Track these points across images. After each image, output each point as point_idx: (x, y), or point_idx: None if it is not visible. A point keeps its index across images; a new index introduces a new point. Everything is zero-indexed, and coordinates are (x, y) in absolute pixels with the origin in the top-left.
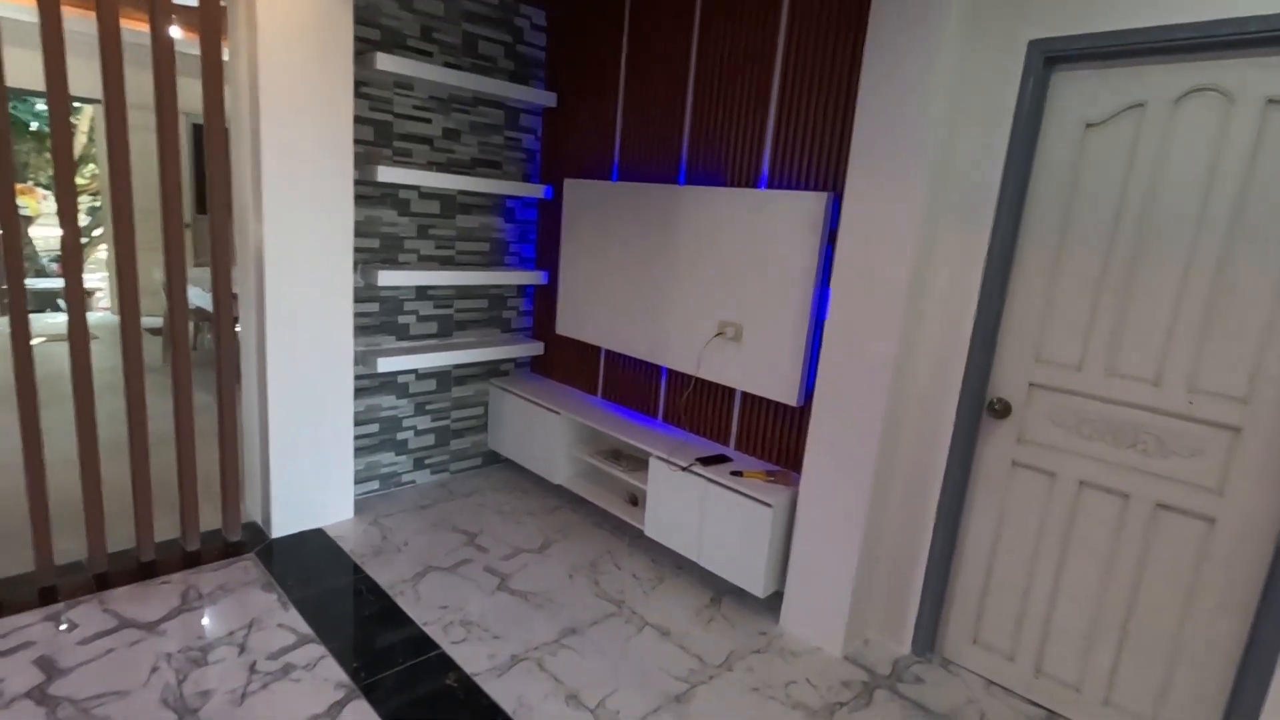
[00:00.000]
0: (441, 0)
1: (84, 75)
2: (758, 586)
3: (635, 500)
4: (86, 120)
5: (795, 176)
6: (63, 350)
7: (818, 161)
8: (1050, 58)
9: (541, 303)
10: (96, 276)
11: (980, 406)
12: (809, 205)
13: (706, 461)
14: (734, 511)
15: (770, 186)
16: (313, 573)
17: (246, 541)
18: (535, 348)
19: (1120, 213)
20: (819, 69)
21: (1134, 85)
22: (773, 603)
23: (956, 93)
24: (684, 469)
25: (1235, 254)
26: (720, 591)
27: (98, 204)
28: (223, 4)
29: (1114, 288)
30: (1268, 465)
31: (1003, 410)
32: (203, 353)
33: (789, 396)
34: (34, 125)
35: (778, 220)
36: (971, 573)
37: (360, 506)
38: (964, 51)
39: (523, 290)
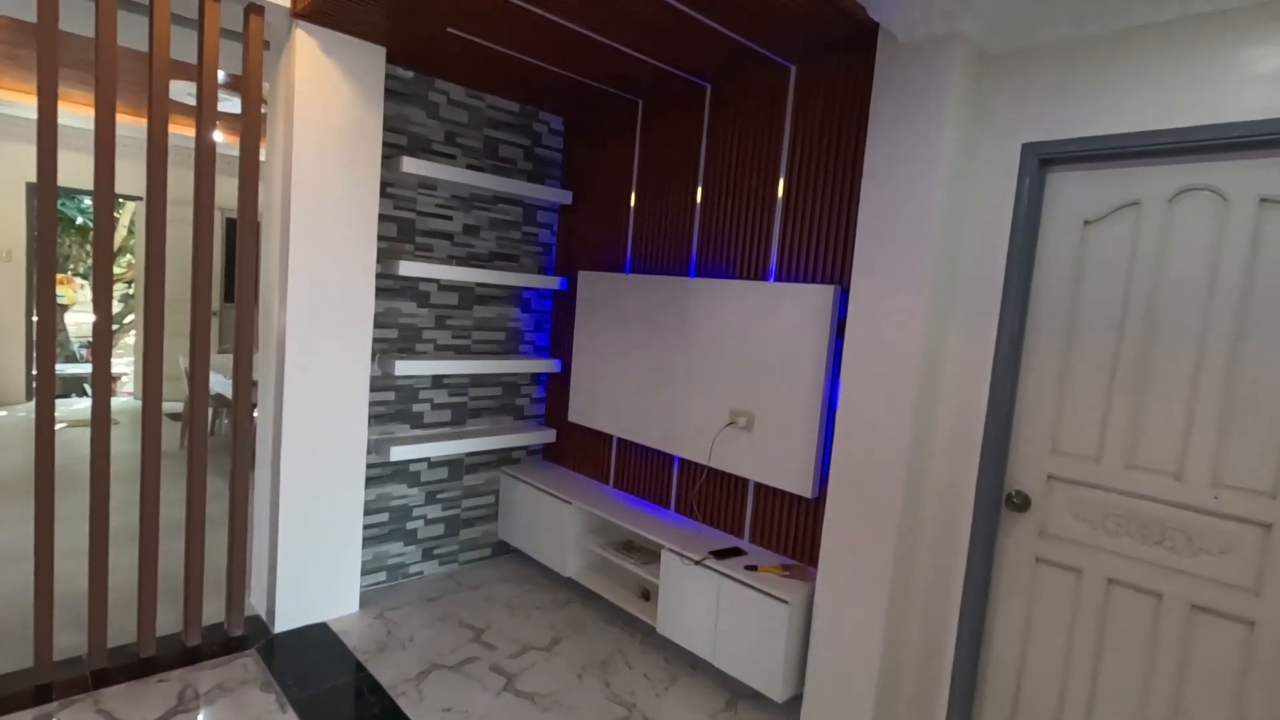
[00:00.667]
0: (465, 109)
1: (128, 174)
2: (775, 690)
3: (648, 595)
4: (127, 215)
5: (802, 270)
6: (82, 436)
7: (824, 256)
8: (1045, 159)
9: (555, 391)
10: (122, 361)
11: (999, 499)
12: (816, 297)
13: (720, 555)
14: (749, 608)
15: (779, 279)
16: (313, 671)
17: (248, 636)
18: (547, 435)
19: (1126, 306)
20: (822, 169)
21: (1127, 185)
22: (793, 707)
23: (957, 192)
24: (697, 563)
25: (1246, 347)
26: (736, 694)
27: (130, 292)
28: (264, 111)
29: (1126, 379)
30: None
31: (1022, 503)
32: (219, 438)
33: (803, 488)
34: (79, 220)
35: (786, 311)
36: (1001, 677)
37: (366, 599)
38: (963, 153)
39: (536, 378)
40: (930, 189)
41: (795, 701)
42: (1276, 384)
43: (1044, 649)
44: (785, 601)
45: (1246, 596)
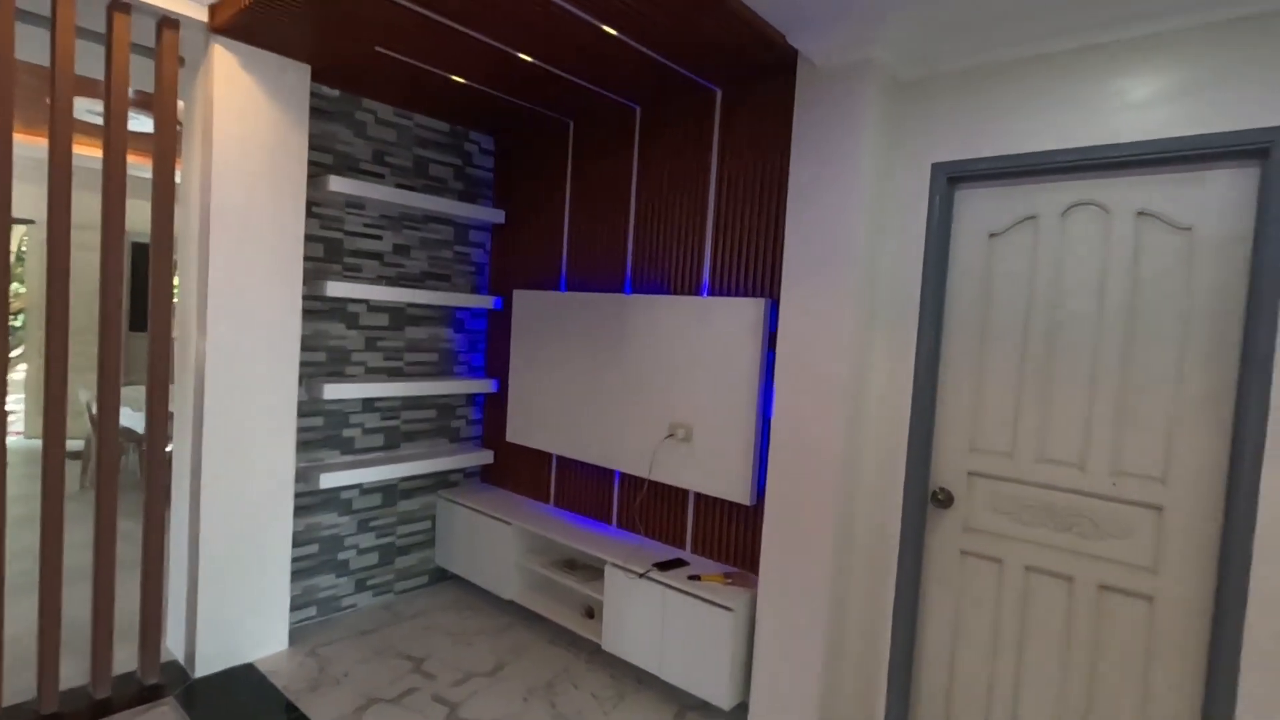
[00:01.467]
0: (394, 128)
1: (21, 196)
2: (722, 698)
3: (591, 612)
4: (16, 239)
5: (734, 284)
6: None
7: (754, 270)
8: (953, 177)
9: (492, 411)
10: (12, 398)
11: (925, 497)
12: (748, 311)
13: (663, 566)
14: (693, 619)
15: (712, 294)
16: (239, 715)
17: (165, 684)
18: (485, 456)
19: (1029, 312)
20: (750, 188)
21: (1025, 201)
22: (739, 715)
23: (877, 209)
24: (641, 575)
25: (1135, 347)
26: (685, 706)
27: (18, 324)
28: (178, 129)
29: (1033, 379)
30: (1191, 541)
31: (946, 500)
32: (127, 475)
33: (742, 496)
34: None
35: (720, 325)
36: (935, 669)
37: (296, 636)
38: (880, 172)
39: (472, 399)
40: (852, 206)
41: (742, 709)
42: (1161, 379)
43: (972, 637)
44: (729, 609)
45: (1146, 575)
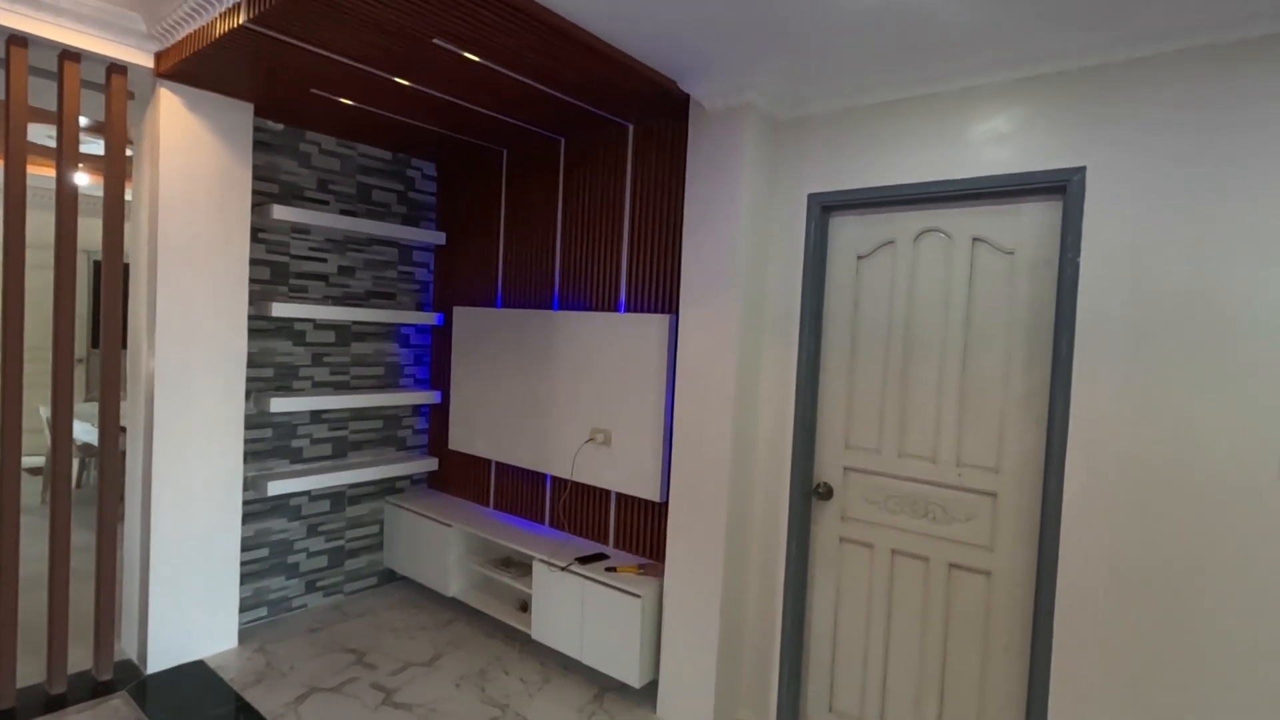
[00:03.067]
0: (338, 157)
1: None
2: (633, 677)
3: (525, 606)
4: None
5: (646, 301)
6: None
7: (662, 288)
8: (826, 206)
9: (436, 421)
10: None
11: (809, 491)
12: (655, 326)
13: (585, 560)
14: (609, 606)
15: (628, 310)
16: (188, 705)
17: (118, 680)
18: (430, 464)
19: (890, 325)
20: (658, 213)
21: (885, 227)
22: (651, 691)
23: (761, 234)
24: (562, 569)
25: (971, 354)
26: (604, 688)
27: None
28: (129, 154)
29: (894, 383)
30: (1019, 521)
31: (826, 493)
32: (87, 490)
33: (652, 493)
34: None
35: (632, 339)
36: (821, 644)
37: (246, 635)
38: (762, 202)
39: (418, 410)
40: (734, 233)
41: (652, 687)
42: (992, 383)
43: (850, 614)
44: (637, 596)
45: (985, 553)
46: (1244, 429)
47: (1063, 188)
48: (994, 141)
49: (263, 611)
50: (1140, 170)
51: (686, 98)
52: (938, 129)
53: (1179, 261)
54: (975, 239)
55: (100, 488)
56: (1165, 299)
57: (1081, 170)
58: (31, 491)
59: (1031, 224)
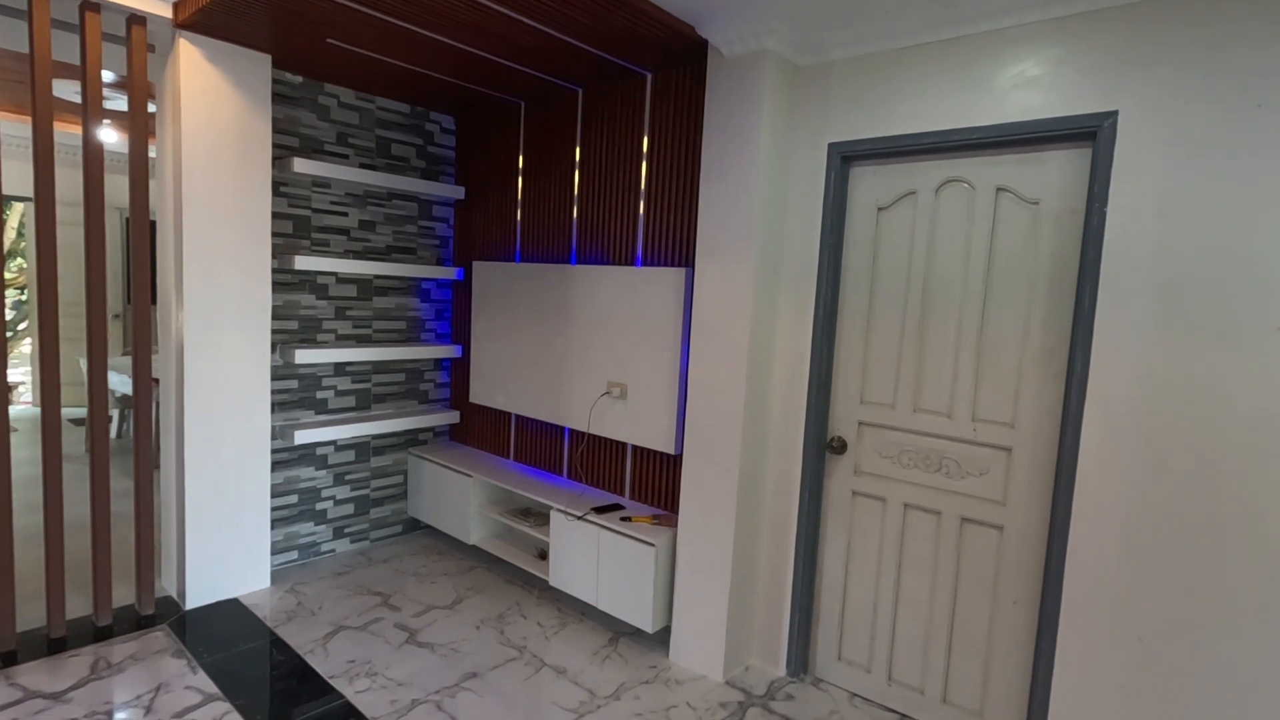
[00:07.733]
0: (357, 111)
1: (14, 174)
2: (647, 623)
3: (544, 554)
4: (16, 216)
5: (663, 255)
6: None
7: (680, 241)
8: (846, 156)
9: (457, 375)
10: (20, 370)
11: (823, 445)
12: (671, 279)
13: (601, 510)
14: (623, 554)
15: (644, 264)
16: (224, 639)
17: (160, 614)
18: (451, 416)
19: (909, 278)
20: (675, 165)
21: (907, 178)
22: (664, 637)
23: (779, 185)
24: (579, 518)
25: (990, 309)
26: (619, 632)
27: (24, 298)
28: (152, 110)
29: (911, 338)
30: (1032, 476)
31: (840, 447)
32: (127, 439)
33: (667, 446)
34: None
35: (649, 292)
36: (831, 595)
37: (278, 576)
38: (782, 151)
39: (440, 363)
40: (752, 183)
41: (665, 632)
42: (1010, 337)
43: (861, 566)
44: (651, 544)
45: (997, 507)
46: (1270, 390)
47: (1093, 134)
48: (1023, 86)
49: (293, 555)
50: (1174, 115)
51: (704, 44)
52: (964, 74)
53: (1210, 212)
54: (999, 189)
55: (136, 436)
56: (1194, 252)
57: (1113, 115)
58: (75, 440)
59: (1059, 173)
